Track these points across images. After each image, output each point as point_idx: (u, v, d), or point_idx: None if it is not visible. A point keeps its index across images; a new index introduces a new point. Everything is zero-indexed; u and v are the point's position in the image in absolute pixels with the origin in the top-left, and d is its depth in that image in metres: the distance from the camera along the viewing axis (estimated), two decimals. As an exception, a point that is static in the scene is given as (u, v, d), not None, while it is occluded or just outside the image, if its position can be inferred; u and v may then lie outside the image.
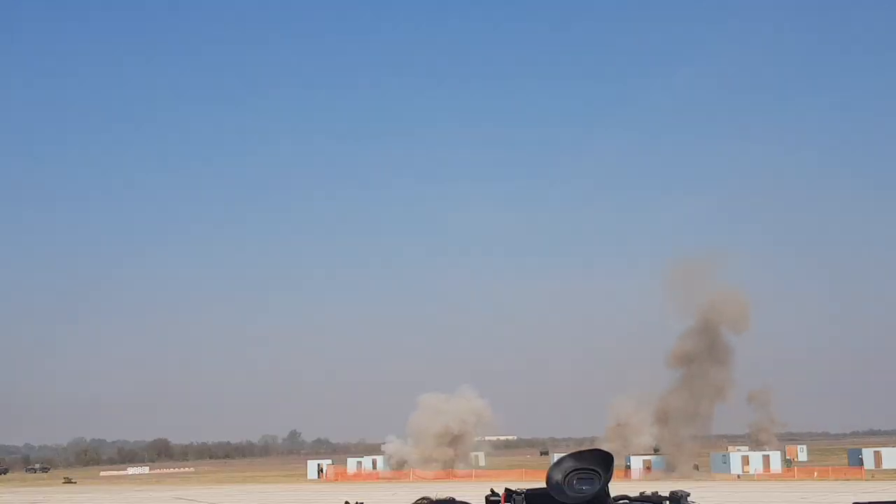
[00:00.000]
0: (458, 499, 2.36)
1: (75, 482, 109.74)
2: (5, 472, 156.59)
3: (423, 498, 2.36)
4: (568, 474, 1.85)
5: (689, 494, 1.96)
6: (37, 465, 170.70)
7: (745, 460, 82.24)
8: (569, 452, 1.92)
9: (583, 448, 1.90)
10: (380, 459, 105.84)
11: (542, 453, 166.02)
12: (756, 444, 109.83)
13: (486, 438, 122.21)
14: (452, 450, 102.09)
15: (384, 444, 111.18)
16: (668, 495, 1.95)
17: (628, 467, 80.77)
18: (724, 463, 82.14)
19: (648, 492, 2.00)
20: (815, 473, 76.13)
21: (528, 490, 2.05)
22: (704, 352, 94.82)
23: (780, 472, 79.63)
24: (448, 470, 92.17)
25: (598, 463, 1.86)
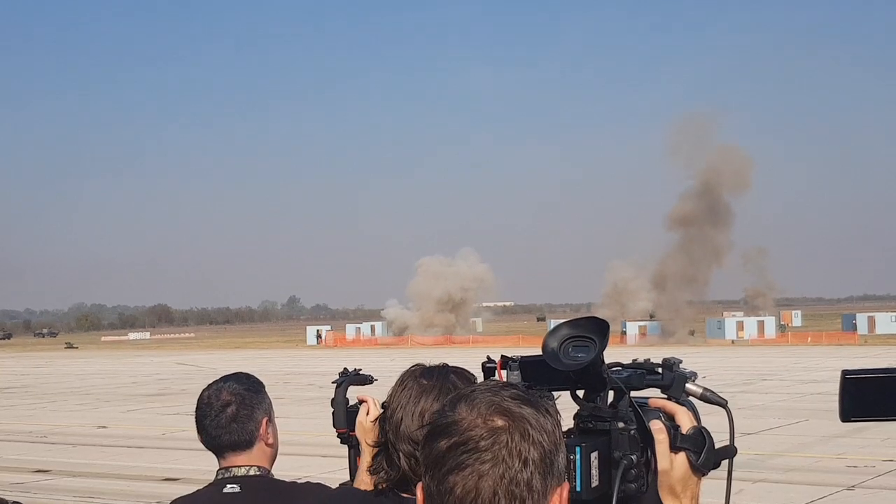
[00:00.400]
0: (451, 365, 2.44)
1: (77, 347, 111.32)
2: (9, 336, 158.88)
3: (417, 365, 2.46)
4: (563, 342, 1.84)
5: (681, 362, 1.95)
6: (44, 331, 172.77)
7: (740, 326, 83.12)
8: (565, 320, 1.88)
9: (579, 315, 1.71)
10: (378, 325, 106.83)
11: (538, 319, 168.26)
12: (751, 309, 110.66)
13: (485, 304, 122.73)
14: (454, 315, 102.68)
15: (384, 309, 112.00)
16: (661, 363, 1.96)
17: (624, 333, 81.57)
18: (719, 328, 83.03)
19: (641, 359, 1.99)
20: (809, 338, 77.04)
21: (522, 357, 2.09)
22: (704, 213, 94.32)
23: (774, 337, 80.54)
24: (447, 336, 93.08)
25: (593, 331, 1.83)
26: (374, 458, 2.43)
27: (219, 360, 68.20)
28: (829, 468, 16.63)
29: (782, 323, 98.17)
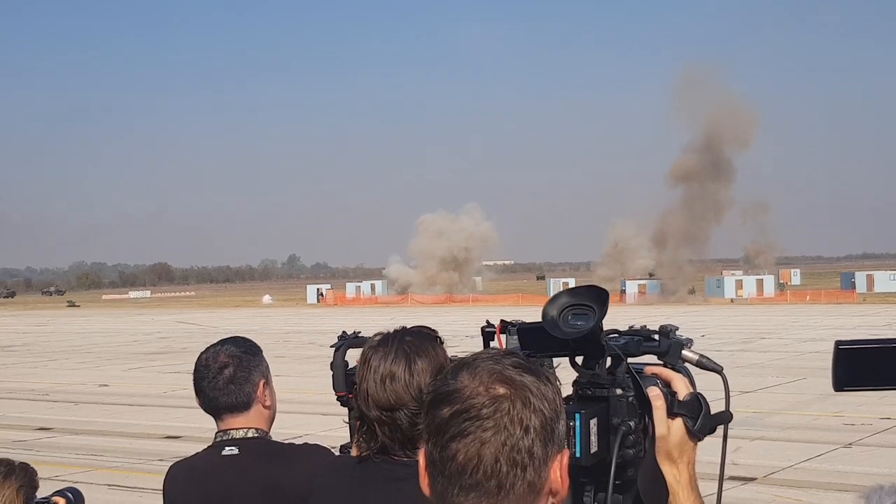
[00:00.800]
0: (410, 327, 2.50)
1: (79, 306, 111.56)
2: (12, 295, 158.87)
3: (377, 334, 2.50)
4: (563, 310, 1.86)
5: (677, 328, 1.98)
6: (52, 289, 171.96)
7: (739, 284, 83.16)
8: (565, 289, 1.91)
9: (579, 273, 1.71)
10: (378, 284, 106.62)
11: (538, 278, 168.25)
12: (752, 268, 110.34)
13: (486, 263, 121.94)
14: (457, 274, 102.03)
15: (385, 268, 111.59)
16: (657, 329, 1.98)
17: (623, 292, 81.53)
18: (718, 287, 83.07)
19: (639, 323, 2.03)
20: (808, 297, 77.17)
21: (520, 324, 2.13)
22: (707, 168, 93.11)
23: (773, 295, 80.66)
24: (447, 295, 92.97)
25: (593, 299, 1.85)
26: (358, 433, 2.48)
27: (219, 318, 68.40)
28: (826, 426, 16.73)
29: (781, 281, 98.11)
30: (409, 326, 2.52)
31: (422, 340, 2.43)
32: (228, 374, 3.20)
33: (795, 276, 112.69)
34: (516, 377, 1.52)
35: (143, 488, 13.09)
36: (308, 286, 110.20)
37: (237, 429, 3.21)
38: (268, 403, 3.28)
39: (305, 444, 3.26)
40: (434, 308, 78.95)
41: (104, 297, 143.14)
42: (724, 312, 61.19)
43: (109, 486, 13.27)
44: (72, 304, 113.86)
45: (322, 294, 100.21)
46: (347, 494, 2.46)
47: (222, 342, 3.32)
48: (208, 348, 3.30)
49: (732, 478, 12.55)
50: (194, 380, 3.27)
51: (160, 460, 14.18)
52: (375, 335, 2.51)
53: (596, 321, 1.83)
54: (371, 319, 52.01)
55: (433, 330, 2.50)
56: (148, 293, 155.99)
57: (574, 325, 1.85)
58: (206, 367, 3.23)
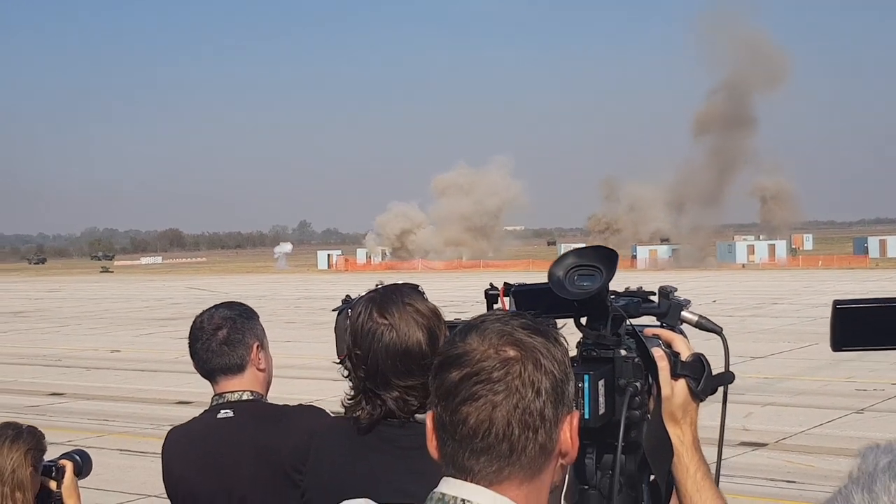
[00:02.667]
0: (399, 283, 2.57)
1: (112, 271, 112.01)
2: (43, 261, 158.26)
3: (372, 292, 2.55)
4: (569, 270, 1.84)
5: (675, 289, 2.00)
6: (100, 253, 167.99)
7: (751, 249, 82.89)
8: (571, 249, 1.91)
9: (590, 239, 1.68)
10: (389, 250, 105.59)
11: (549, 243, 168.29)
12: (770, 231, 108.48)
13: (507, 228, 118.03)
14: (473, 237, 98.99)
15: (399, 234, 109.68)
16: (657, 290, 2.00)
17: (634, 257, 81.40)
18: (730, 252, 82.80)
19: (634, 287, 2.04)
20: (820, 262, 76.94)
21: (515, 286, 2.15)
22: (729, 116, 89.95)
23: (785, 261, 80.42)
24: (458, 260, 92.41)
25: (600, 259, 1.83)
26: (350, 398, 2.46)
27: (231, 284, 68.60)
28: (838, 392, 16.68)
29: (793, 247, 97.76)
30: (392, 285, 2.54)
31: (416, 299, 2.46)
32: (222, 336, 3.20)
33: (808, 242, 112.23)
34: (526, 339, 1.51)
35: (154, 453, 13.05)
36: (318, 252, 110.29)
37: (232, 391, 3.21)
38: (262, 366, 3.27)
39: (300, 405, 3.25)
40: (445, 273, 78.99)
41: (115, 263, 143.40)
42: (736, 277, 61.08)
43: (121, 450, 13.34)
44: (105, 270, 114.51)
45: (333, 260, 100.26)
46: (340, 455, 2.44)
47: (217, 306, 3.33)
48: (203, 312, 3.31)
49: (743, 443, 12.54)
50: (189, 342, 3.28)
51: (172, 425, 14.22)
52: (370, 293, 2.51)
53: (603, 282, 1.82)
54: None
55: (415, 284, 2.54)
56: (159, 259, 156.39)
57: (581, 285, 1.83)
58: (200, 330, 3.24)
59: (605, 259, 1.83)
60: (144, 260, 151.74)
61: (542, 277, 1.98)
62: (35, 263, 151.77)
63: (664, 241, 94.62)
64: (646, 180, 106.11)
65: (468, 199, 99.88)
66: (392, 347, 2.36)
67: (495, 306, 2.32)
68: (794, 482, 10.88)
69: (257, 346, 3.25)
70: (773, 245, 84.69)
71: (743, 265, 77.35)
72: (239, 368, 3.21)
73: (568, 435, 1.53)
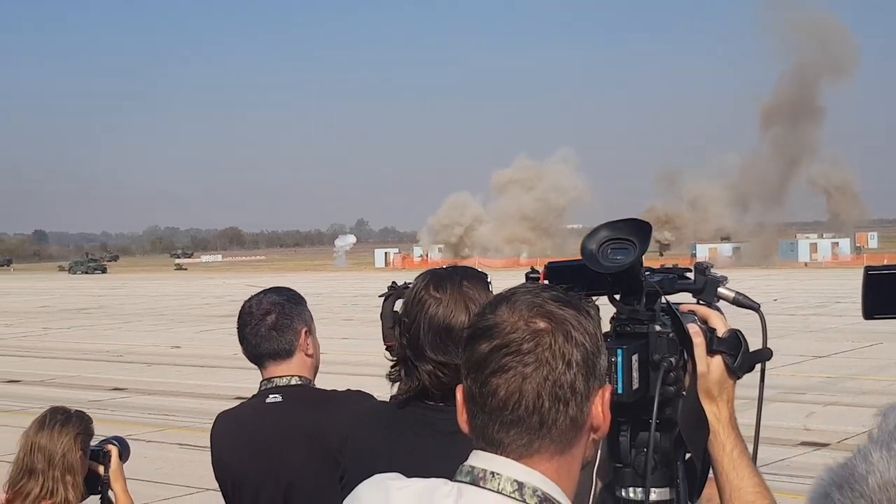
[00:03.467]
0: (461, 266, 2.57)
1: (186, 269, 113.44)
2: (116, 258, 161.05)
3: (429, 273, 2.54)
4: (602, 244, 1.81)
5: (712, 266, 1.98)
6: (179, 251, 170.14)
7: (814, 248, 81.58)
8: (604, 222, 1.85)
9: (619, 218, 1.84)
10: (443, 247, 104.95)
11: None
12: (839, 227, 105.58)
13: (570, 227, 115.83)
14: (548, 238, 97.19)
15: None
16: (692, 267, 1.98)
17: (693, 255, 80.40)
18: (792, 251, 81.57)
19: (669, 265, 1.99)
20: (885, 260, 75.42)
21: (549, 263, 2.07)
22: (797, 106, 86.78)
23: (848, 259, 78.97)
24: (514, 259, 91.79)
25: (633, 233, 1.80)
26: (392, 367, 2.46)
27: (289, 282, 68.76)
28: (903, 391, 16.34)
29: (858, 245, 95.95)
30: (461, 267, 2.52)
31: (476, 286, 2.42)
32: (271, 321, 3.19)
33: (872, 240, 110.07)
34: (556, 311, 1.49)
35: (212, 447, 13.26)
36: (376, 250, 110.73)
37: (280, 376, 3.20)
38: (310, 352, 3.26)
39: (347, 389, 3.24)
40: (502, 271, 78.72)
41: (176, 261, 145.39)
42: (798, 276, 60.14)
43: (181, 445, 13.48)
44: (180, 268, 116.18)
45: (391, 258, 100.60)
46: (379, 438, 2.44)
47: (265, 291, 3.32)
48: (252, 297, 3.30)
49: (804, 443, 12.33)
50: (238, 327, 3.28)
51: (229, 420, 14.36)
52: (427, 273, 2.50)
53: (637, 255, 1.78)
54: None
55: (484, 273, 2.49)
56: (219, 257, 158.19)
57: (614, 259, 1.80)
58: (249, 315, 3.24)
59: (638, 232, 1.80)
60: (204, 258, 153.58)
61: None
62: (108, 261, 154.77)
63: (725, 239, 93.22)
64: (706, 175, 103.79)
65: (529, 196, 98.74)
66: (435, 321, 2.36)
67: None
68: (856, 483, 10.64)
69: (305, 332, 3.24)
70: (837, 243, 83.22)
71: (805, 264, 76.12)
72: (287, 353, 3.20)
73: (599, 409, 1.51)
